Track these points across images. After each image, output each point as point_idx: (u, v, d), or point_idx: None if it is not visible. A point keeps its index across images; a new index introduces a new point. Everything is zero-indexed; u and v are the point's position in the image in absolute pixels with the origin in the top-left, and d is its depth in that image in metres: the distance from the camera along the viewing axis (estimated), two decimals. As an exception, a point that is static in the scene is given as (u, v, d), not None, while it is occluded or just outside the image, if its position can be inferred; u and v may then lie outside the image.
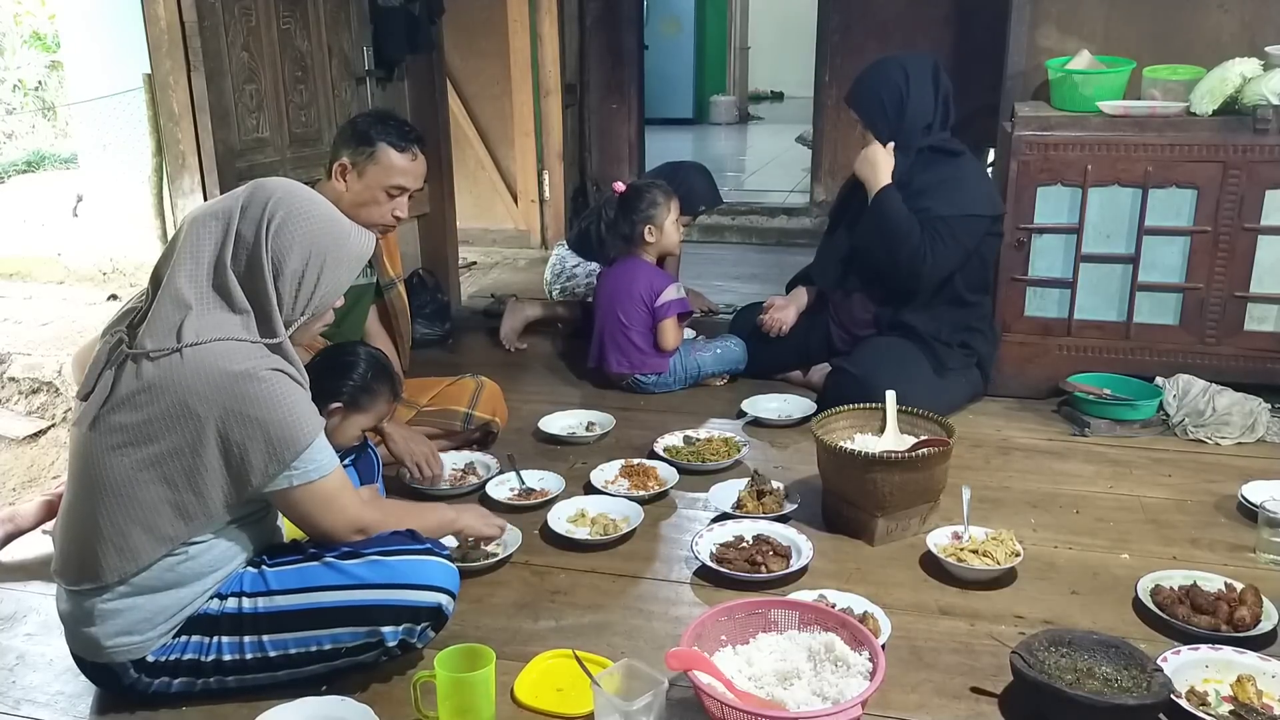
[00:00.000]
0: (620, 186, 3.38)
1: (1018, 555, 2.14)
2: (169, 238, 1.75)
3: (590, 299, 3.71)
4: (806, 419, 2.94)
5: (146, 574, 1.64)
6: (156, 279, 1.68)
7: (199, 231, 1.66)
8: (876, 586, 2.12)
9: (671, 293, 3.27)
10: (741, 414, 3.07)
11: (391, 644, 1.73)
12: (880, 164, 2.97)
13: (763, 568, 2.11)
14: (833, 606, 1.89)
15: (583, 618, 2.04)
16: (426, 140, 2.68)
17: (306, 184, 2.20)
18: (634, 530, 2.34)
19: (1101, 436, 2.92)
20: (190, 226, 1.67)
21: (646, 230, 3.32)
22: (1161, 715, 1.66)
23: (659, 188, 3.38)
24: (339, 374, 2.15)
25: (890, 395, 2.50)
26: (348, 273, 1.75)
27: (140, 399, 1.58)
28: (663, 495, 2.55)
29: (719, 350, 3.37)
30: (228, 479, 1.61)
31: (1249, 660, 1.78)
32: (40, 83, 8.69)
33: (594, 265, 4.03)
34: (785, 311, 3.32)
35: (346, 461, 2.18)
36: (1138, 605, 2.02)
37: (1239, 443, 2.83)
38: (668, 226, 3.34)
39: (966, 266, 3.00)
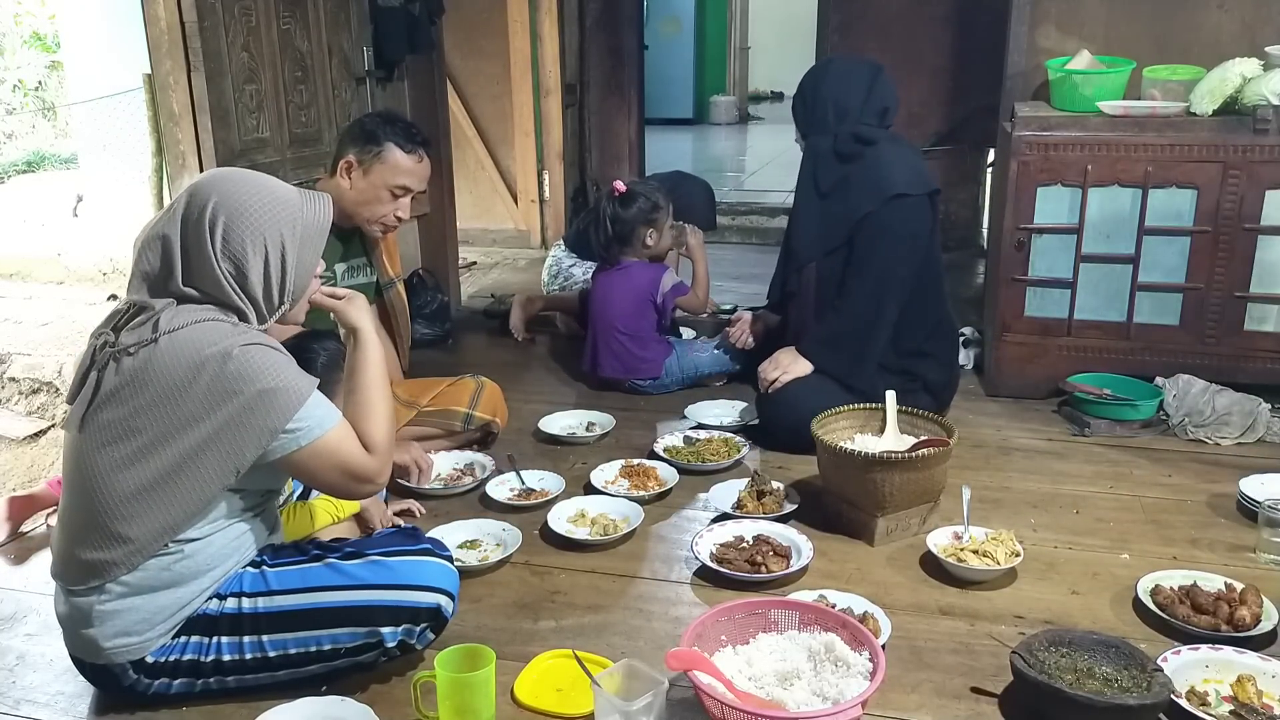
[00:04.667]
0: (621, 186, 3.36)
1: (1018, 555, 2.14)
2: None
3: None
4: (744, 426, 2.96)
5: (144, 573, 1.64)
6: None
7: (148, 256, 1.65)
8: (876, 586, 2.12)
9: (669, 280, 3.32)
10: (685, 420, 3.05)
11: (391, 645, 1.73)
12: (794, 366, 2.83)
13: (763, 568, 2.11)
14: (833, 606, 1.89)
15: (583, 618, 2.04)
16: (431, 142, 2.68)
17: (306, 183, 2.20)
18: (634, 530, 2.34)
19: (1101, 436, 2.92)
20: (140, 256, 1.66)
21: (648, 235, 3.33)
22: (1162, 715, 1.66)
23: (659, 192, 3.37)
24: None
25: (890, 395, 2.50)
26: (313, 248, 1.72)
27: (124, 393, 1.59)
28: (663, 495, 2.55)
29: (716, 351, 3.38)
30: (226, 456, 1.60)
31: (1249, 660, 1.78)
32: (40, 83, 8.70)
33: (591, 265, 4.04)
34: (755, 326, 3.28)
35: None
36: (1138, 605, 2.02)
37: (1239, 443, 2.83)
38: (665, 232, 3.37)
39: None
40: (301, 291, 1.74)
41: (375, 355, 1.81)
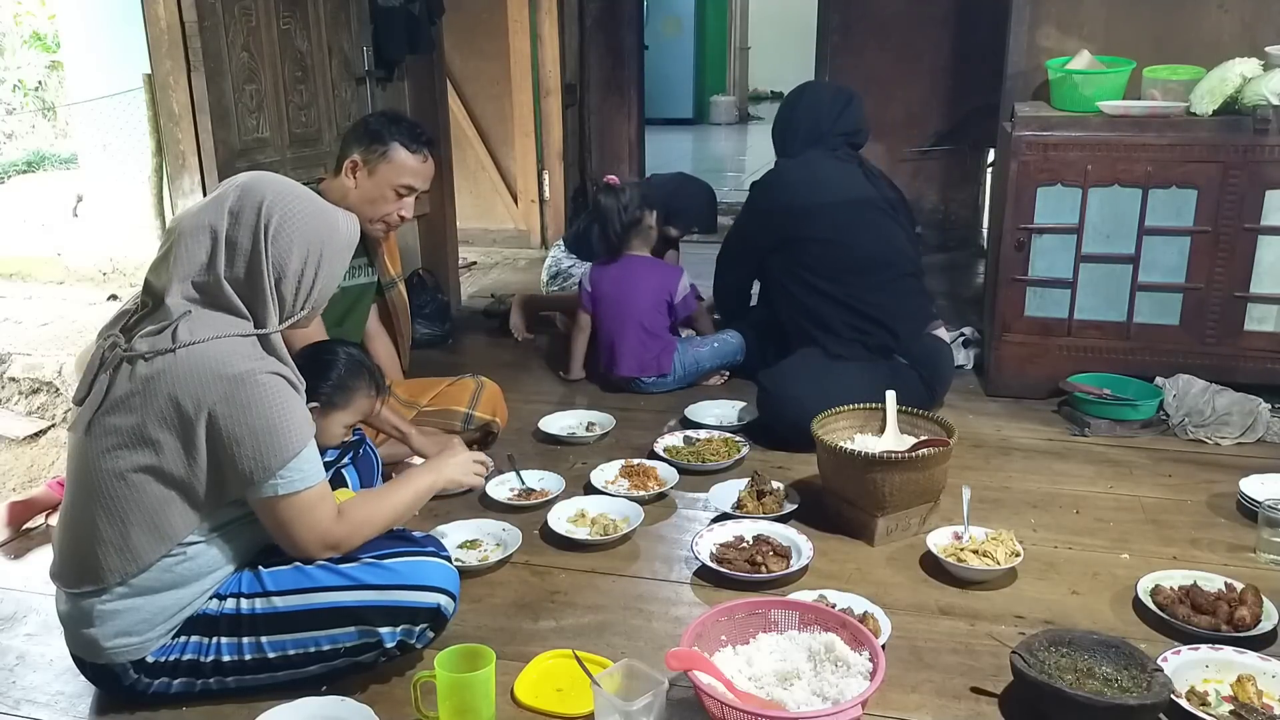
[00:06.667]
0: (615, 179, 3.42)
1: (1018, 555, 2.14)
2: (163, 240, 1.74)
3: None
4: (744, 426, 2.97)
5: (145, 575, 1.64)
6: (149, 287, 1.67)
7: (189, 245, 1.64)
8: (876, 586, 2.12)
9: (686, 284, 3.36)
10: (686, 420, 3.04)
11: (390, 645, 1.73)
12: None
13: (763, 568, 2.11)
14: (833, 606, 1.89)
15: (583, 618, 2.04)
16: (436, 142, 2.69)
17: (307, 184, 2.20)
18: (634, 530, 2.34)
19: (1101, 436, 2.92)
20: (179, 241, 1.65)
21: (650, 217, 3.37)
22: (1162, 715, 1.66)
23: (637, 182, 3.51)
24: (315, 373, 2.13)
25: (890, 395, 2.50)
26: (342, 263, 1.76)
27: (134, 401, 1.58)
28: (663, 495, 2.55)
29: (716, 345, 3.38)
30: (215, 480, 1.61)
31: (1249, 660, 1.78)
32: (40, 83, 8.70)
33: (591, 265, 4.05)
34: None
35: (346, 461, 2.18)
36: (1138, 605, 2.02)
37: (1239, 443, 2.83)
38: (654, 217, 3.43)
39: (788, 253, 3.04)
40: (320, 303, 1.75)
41: (423, 490, 1.91)
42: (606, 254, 3.46)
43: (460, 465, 2.02)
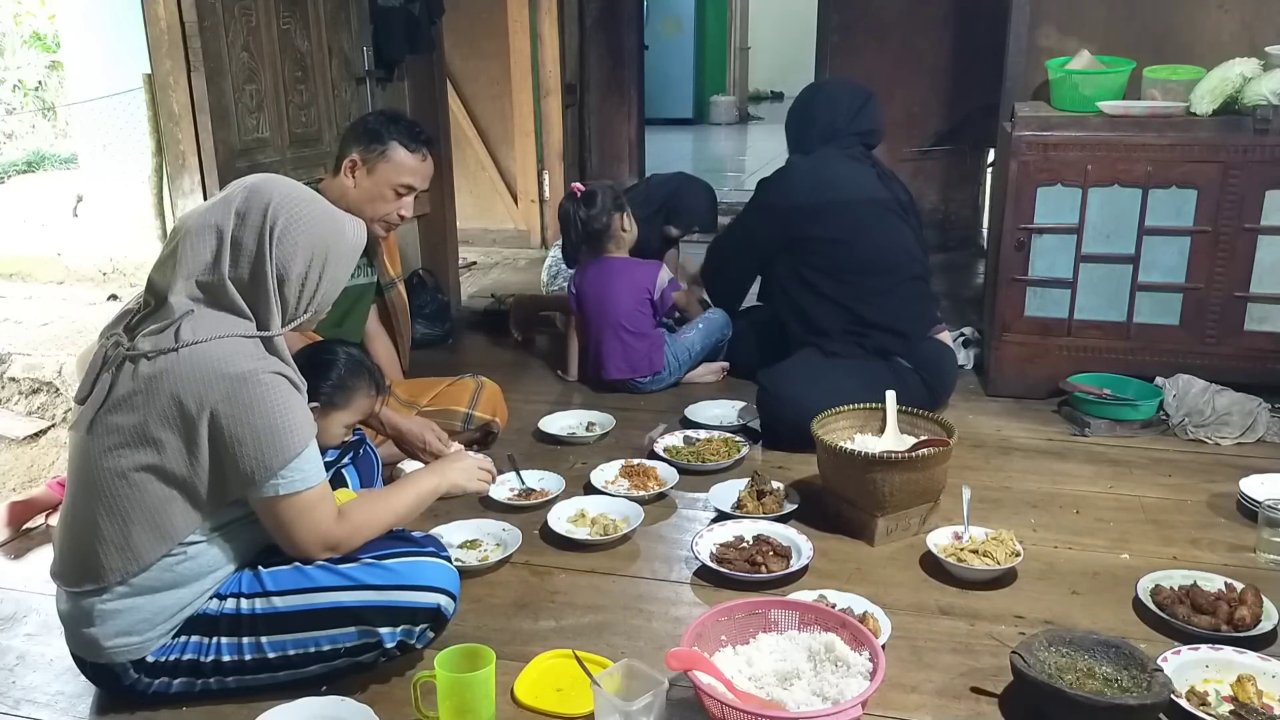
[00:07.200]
0: (580, 187, 3.40)
1: (1018, 555, 2.14)
2: (168, 239, 1.75)
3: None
4: (743, 427, 2.97)
5: (146, 574, 1.64)
6: (152, 285, 1.68)
7: (194, 244, 1.64)
8: (876, 586, 2.12)
9: (664, 276, 3.32)
10: (686, 420, 3.04)
11: (390, 645, 1.73)
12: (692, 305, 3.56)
13: (763, 568, 2.11)
14: (833, 606, 1.89)
15: (583, 618, 2.04)
16: (434, 141, 2.69)
17: (307, 183, 2.20)
18: (634, 530, 2.34)
19: (1101, 436, 2.92)
20: (184, 240, 1.65)
21: (623, 220, 3.33)
22: (1162, 715, 1.66)
23: (611, 185, 3.46)
24: (315, 373, 2.13)
25: (890, 395, 2.50)
26: (346, 268, 1.76)
27: (137, 400, 1.58)
28: (663, 495, 2.55)
29: (701, 325, 3.39)
30: (216, 479, 1.61)
31: (1249, 660, 1.78)
32: (40, 83, 8.70)
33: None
34: None
35: (346, 461, 2.18)
36: (1138, 605, 2.02)
37: (1239, 443, 2.83)
38: (630, 218, 3.38)
39: (795, 252, 3.01)
40: (324, 307, 1.75)
41: (426, 493, 1.92)
42: (579, 259, 3.45)
43: (465, 470, 2.03)
